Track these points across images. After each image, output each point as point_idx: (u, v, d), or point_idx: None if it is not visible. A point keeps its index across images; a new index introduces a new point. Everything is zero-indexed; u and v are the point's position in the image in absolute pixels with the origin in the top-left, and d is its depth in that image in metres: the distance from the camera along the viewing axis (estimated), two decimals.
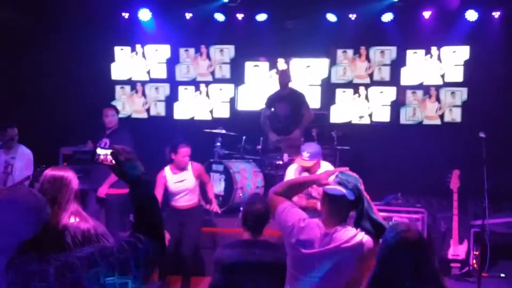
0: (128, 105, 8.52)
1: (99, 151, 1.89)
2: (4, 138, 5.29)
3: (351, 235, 2.58)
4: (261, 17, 7.90)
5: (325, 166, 4.99)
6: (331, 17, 7.75)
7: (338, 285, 2.58)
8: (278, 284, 3.01)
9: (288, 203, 2.75)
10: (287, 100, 6.86)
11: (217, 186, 6.24)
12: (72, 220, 2.73)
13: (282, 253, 3.12)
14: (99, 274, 1.65)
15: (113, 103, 8.39)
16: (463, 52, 7.62)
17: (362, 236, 2.58)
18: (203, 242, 5.81)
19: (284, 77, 6.96)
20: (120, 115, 8.29)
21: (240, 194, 6.10)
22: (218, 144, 6.61)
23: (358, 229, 2.61)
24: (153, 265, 1.80)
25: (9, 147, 5.37)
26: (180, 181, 5.24)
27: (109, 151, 1.88)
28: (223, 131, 6.65)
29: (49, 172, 2.81)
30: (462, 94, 7.71)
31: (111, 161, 1.88)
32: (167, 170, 5.26)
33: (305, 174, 4.96)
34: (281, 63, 8.07)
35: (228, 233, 5.88)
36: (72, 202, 2.78)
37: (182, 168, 5.25)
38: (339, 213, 2.66)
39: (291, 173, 5.24)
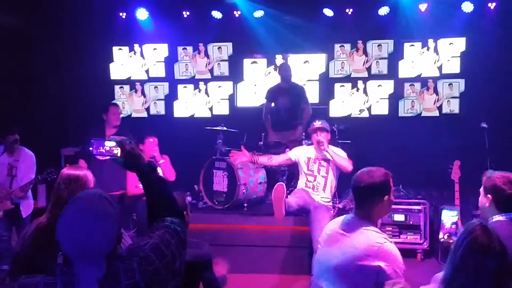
0: (128, 104, 8.54)
1: (107, 143, 1.94)
2: (6, 142, 5.33)
3: None
4: (258, 13, 7.93)
5: (334, 148, 5.27)
6: (328, 12, 7.80)
7: None
8: (201, 279, 3.14)
9: None
10: (288, 93, 6.92)
11: (220, 182, 6.28)
12: None
13: (204, 250, 3.27)
14: (169, 263, 1.71)
15: (113, 102, 8.47)
16: (459, 44, 7.68)
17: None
18: (208, 239, 5.85)
19: (285, 70, 7.00)
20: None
21: (244, 190, 6.13)
22: (220, 141, 6.65)
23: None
24: (186, 242, 1.87)
25: (12, 150, 5.40)
26: None
27: (114, 143, 1.93)
28: (224, 128, 6.69)
29: (65, 171, 2.85)
30: (459, 85, 7.77)
31: (115, 153, 1.92)
32: None
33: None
34: (279, 59, 8.13)
35: (231, 229, 5.93)
36: None
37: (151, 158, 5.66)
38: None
39: (303, 155, 5.33)
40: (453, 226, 2.71)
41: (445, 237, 2.59)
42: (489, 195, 2.68)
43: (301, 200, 5.03)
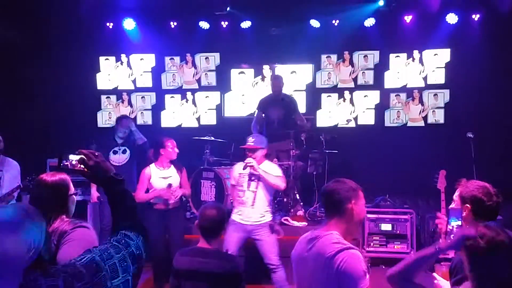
0: (114, 114, 8.48)
1: (72, 157, 1.90)
2: None
3: None
4: (246, 24, 7.97)
5: (268, 165, 5.04)
6: (315, 23, 7.87)
7: None
8: None
9: None
10: (280, 104, 6.92)
11: (208, 193, 6.26)
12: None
13: (234, 264, 3.18)
14: (106, 278, 1.66)
15: (99, 113, 8.43)
16: (444, 55, 7.79)
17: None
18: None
19: (278, 82, 7.01)
20: (106, 125, 8.43)
21: (231, 200, 6.11)
22: (207, 151, 6.63)
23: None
24: (144, 258, 1.84)
25: None
26: (165, 178, 5.27)
27: (78, 157, 1.89)
28: (212, 138, 6.68)
29: (44, 177, 2.79)
30: (444, 96, 7.87)
31: (80, 166, 1.89)
32: (152, 166, 5.32)
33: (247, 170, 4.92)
34: (267, 70, 8.17)
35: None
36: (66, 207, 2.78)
37: (169, 163, 5.32)
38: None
39: (235, 172, 5.14)
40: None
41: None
42: (467, 205, 2.73)
43: (235, 245, 4.90)
